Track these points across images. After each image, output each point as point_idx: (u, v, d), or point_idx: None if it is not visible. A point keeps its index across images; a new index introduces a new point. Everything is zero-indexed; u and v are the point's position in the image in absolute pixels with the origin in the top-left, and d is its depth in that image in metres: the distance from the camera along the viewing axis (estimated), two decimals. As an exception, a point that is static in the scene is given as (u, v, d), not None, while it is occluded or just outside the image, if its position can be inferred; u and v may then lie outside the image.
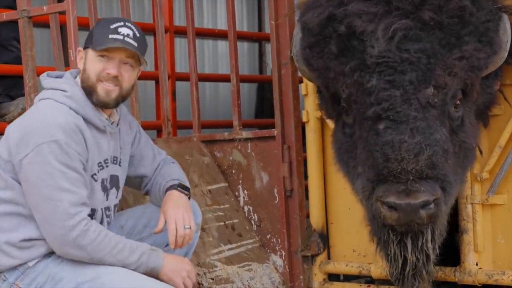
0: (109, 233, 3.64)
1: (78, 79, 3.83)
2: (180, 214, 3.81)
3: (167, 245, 3.86)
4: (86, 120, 3.71)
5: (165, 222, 3.83)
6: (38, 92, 3.98)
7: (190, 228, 3.82)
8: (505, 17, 3.74)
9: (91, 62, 3.76)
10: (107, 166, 3.82)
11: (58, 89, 3.75)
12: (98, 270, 3.60)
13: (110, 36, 3.73)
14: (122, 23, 3.78)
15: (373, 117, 3.61)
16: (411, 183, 3.46)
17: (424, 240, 3.63)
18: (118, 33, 3.74)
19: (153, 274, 3.67)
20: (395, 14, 3.62)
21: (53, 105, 3.70)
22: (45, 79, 3.84)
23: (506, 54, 3.76)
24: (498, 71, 3.87)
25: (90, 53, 3.77)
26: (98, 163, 3.77)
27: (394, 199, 3.48)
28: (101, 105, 3.78)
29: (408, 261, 3.67)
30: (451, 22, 3.60)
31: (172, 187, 3.96)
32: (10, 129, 3.72)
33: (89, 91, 3.75)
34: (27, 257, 3.65)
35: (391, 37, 3.57)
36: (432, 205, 3.49)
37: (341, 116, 3.92)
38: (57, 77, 3.86)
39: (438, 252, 3.77)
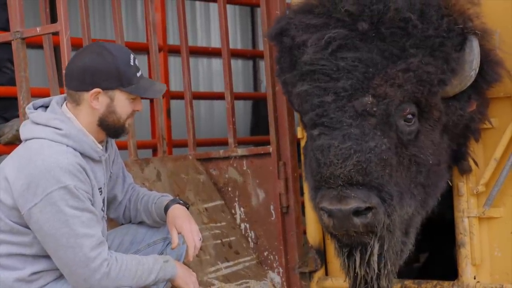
0: (128, 262, 3.62)
1: (65, 108, 3.68)
2: (194, 227, 3.88)
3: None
4: (83, 154, 3.63)
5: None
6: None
7: (200, 239, 3.90)
8: (472, 37, 3.71)
9: (122, 106, 3.66)
10: (101, 193, 3.76)
11: (50, 126, 3.60)
12: None
13: (138, 74, 3.65)
14: (130, 53, 3.68)
15: (310, 124, 3.65)
16: (341, 189, 3.48)
17: (370, 254, 3.62)
18: (138, 69, 3.67)
19: (170, 280, 3.79)
20: (334, 26, 3.66)
21: (50, 146, 3.55)
22: (32, 112, 3.69)
23: (472, 74, 3.72)
24: (470, 93, 3.82)
25: (120, 96, 3.65)
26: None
27: (327, 204, 3.51)
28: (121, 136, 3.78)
29: (358, 275, 3.68)
30: (393, 34, 3.60)
31: (173, 202, 3.96)
32: (9, 174, 3.55)
33: (118, 131, 3.71)
34: (35, 287, 3.63)
35: (325, 46, 3.61)
36: (369, 214, 3.49)
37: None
38: (43, 106, 3.74)
39: (393, 269, 3.74)
